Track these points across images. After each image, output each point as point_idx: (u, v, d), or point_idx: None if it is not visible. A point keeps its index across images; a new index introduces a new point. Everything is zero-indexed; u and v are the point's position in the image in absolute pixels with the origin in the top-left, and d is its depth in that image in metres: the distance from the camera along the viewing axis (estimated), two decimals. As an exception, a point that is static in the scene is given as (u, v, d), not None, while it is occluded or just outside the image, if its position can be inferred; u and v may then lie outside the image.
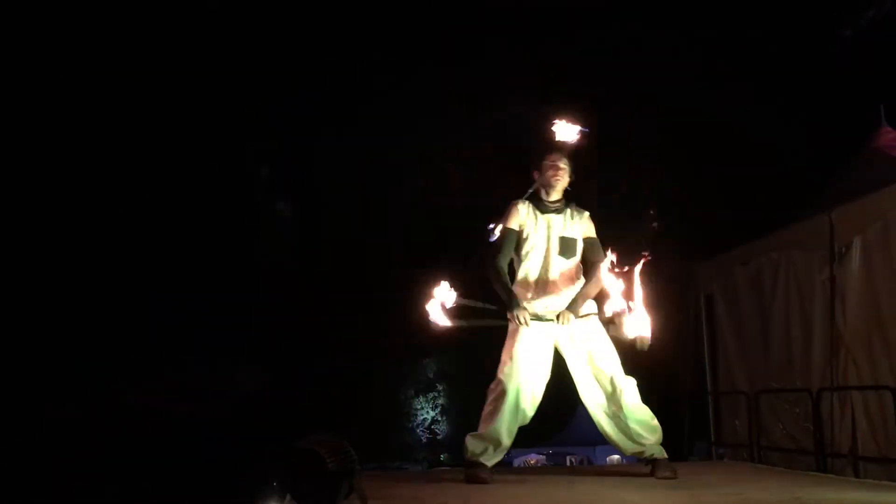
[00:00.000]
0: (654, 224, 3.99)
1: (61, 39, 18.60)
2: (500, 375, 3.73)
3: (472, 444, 3.71)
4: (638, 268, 3.64)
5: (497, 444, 3.68)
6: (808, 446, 4.92)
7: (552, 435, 21.27)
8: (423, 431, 22.83)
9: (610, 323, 3.72)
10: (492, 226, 3.85)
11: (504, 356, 3.76)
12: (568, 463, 19.45)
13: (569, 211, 3.90)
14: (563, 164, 3.89)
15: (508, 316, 3.72)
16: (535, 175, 3.94)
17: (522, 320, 3.65)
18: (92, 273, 18.69)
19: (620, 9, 17.29)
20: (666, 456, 3.76)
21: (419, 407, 22.94)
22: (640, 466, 3.85)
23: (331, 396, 18.34)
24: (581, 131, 3.87)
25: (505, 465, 3.95)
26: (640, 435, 3.71)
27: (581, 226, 3.90)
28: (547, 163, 3.89)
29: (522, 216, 3.88)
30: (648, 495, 3.04)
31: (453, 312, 3.73)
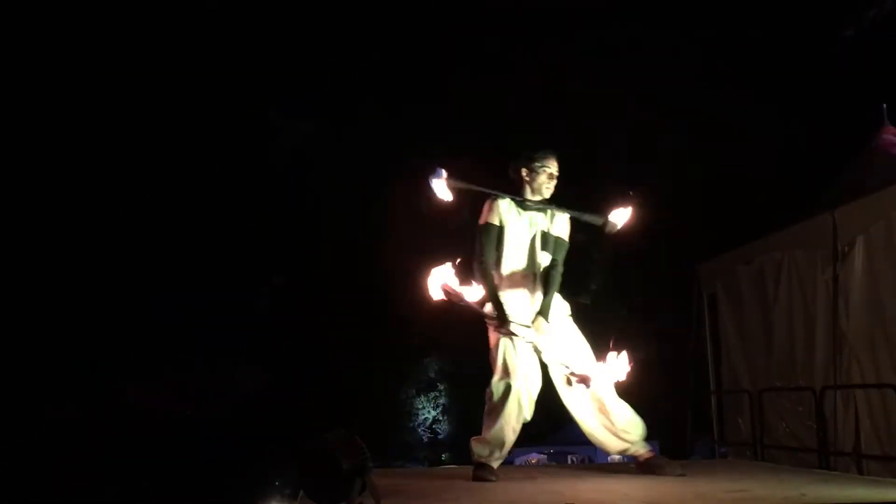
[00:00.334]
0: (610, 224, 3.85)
1: (62, 40, 18.61)
2: (496, 378, 3.73)
3: (477, 447, 3.73)
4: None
5: (501, 445, 3.69)
6: (811, 444, 4.93)
7: (553, 434, 21.29)
8: (424, 431, 22.85)
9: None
10: (463, 218, 3.83)
11: (496, 359, 3.74)
12: (569, 462, 19.45)
13: (549, 211, 3.86)
14: (556, 172, 3.86)
15: (489, 323, 3.71)
16: (524, 173, 3.88)
17: (507, 333, 3.63)
18: (92, 273, 18.70)
19: (619, 8, 17.30)
20: (653, 453, 3.79)
21: (420, 406, 22.96)
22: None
23: (331, 396, 18.35)
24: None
25: (506, 464, 3.96)
26: (625, 431, 3.71)
27: (561, 226, 3.87)
28: (540, 166, 3.84)
29: (503, 212, 3.83)
30: (654, 491, 3.05)
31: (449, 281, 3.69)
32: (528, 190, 3.87)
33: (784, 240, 5.57)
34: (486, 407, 3.76)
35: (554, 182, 3.86)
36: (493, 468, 3.67)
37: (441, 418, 23.10)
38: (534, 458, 20.55)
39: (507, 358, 3.69)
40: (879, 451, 4.48)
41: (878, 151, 5.81)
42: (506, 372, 3.69)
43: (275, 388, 18.66)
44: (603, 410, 3.68)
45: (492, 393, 3.73)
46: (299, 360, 19.82)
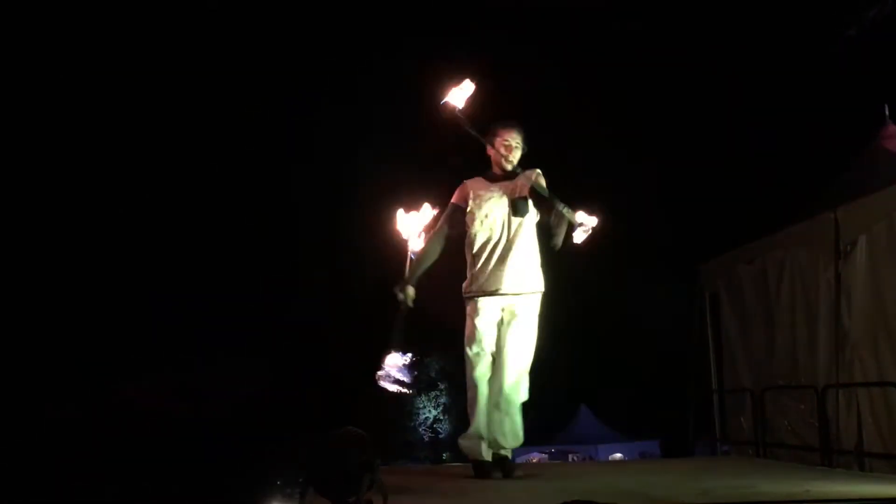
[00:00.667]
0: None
1: (62, 40, 18.62)
2: (467, 364, 3.77)
3: (465, 446, 3.76)
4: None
5: (479, 431, 3.71)
6: (813, 443, 4.94)
7: (554, 434, 21.30)
8: (425, 430, 22.85)
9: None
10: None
11: (465, 346, 3.79)
12: (570, 461, 19.47)
13: (519, 176, 3.84)
14: (516, 141, 3.87)
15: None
16: (490, 151, 3.92)
17: (401, 297, 3.71)
18: (92, 273, 18.71)
19: (623, 5, 17.33)
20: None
21: (421, 406, 22.95)
22: (645, 462, 3.88)
23: (331, 396, 18.34)
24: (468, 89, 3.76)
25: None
26: (513, 438, 3.70)
27: (533, 182, 3.82)
28: (498, 139, 3.88)
29: (468, 191, 3.89)
30: (659, 488, 3.07)
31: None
32: (496, 165, 3.91)
33: (786, 239, 5.58)
34: (467, 400, 3.81)
35: (516, 152, 3.86)
36: (491, 463, 3.68)
37: (442, 417, 23.09)
38: (535, 457, 20.54)
39: (469, 347, 3.76)
40: (882, 449, 4.49)
41: (879, 151, 5.83)
42: (469, 362, 3.77)
43: (275, 388, 18.65)
44: (507, 407, 3.69)
45: (467, 378, 3.80)
46: (299, 359, 19.83)
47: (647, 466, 4.08)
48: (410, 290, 3.75)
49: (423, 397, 23.12)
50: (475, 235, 3.82)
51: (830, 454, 4.73)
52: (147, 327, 18.63)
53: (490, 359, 3.75)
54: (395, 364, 3.56)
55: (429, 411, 23.10)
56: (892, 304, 4.55)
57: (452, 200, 3.92)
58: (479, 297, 3.76)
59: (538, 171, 3.86)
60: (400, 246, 3.81)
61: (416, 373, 3.84)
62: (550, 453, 20.43)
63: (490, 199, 3.82)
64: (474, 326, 3.76)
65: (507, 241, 3.76)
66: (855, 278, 4.81)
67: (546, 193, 3.67)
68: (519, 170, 3.84)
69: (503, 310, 3.76)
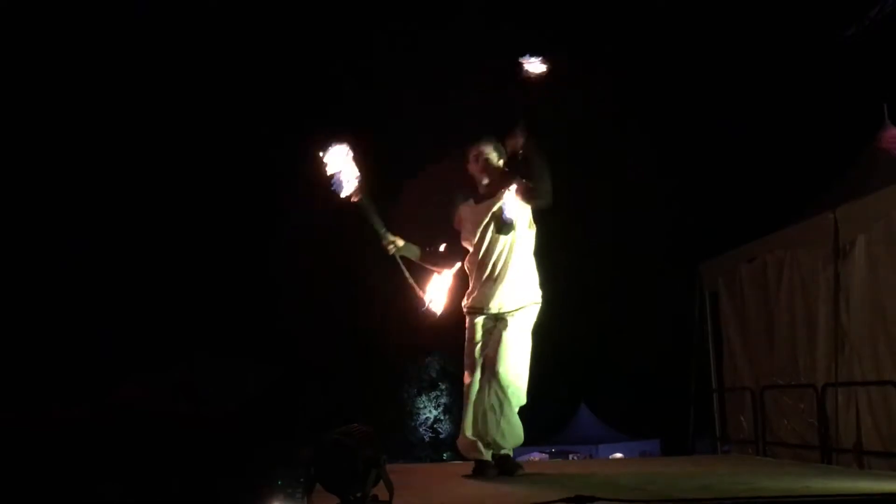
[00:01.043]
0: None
1: (64, 41, 18.67)
2: (465, 374, 3.88)
3: (463, 446, 3.82)
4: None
5: (477, 434, 3.77)
6: (812, 441, 4.98)
7: (554, 434, 21.33)
8: (425, 430, 22.89)
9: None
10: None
11: (464, 354, 3.92)
12: (571, 461, 19.50)
13: (503, 192, 3.84)
14: (484, 152, 3.89)
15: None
16: (469, 174, 3.99)
17: (389, 248, 3.87)
18: (92, 273, 18.74)
19: (625, 5, 17.39)
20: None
21: (422, 406, 23.00)
22: (645, 460, 3.93)
23: (332, 396, 18.38)
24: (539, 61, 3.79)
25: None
26: (504, 438, 3.74)
27: (510, 204, 3.83)
28: (469, 156, 3.95)
29: (460, 216, 3.98)
30: (660, 484, 3.11)
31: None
32: (479, 185, 3.96)
33: (786, 238, 5.62)
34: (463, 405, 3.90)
35: (484, 162, 3.89)
36: (490, 462, 3.74)
37: (442, 417, 23.14)
38: (535, 457, 20.59)
39: (466, 355, 3.88)
40: (881, 448, 4.53)
41: (879, 151, 5.87)
42: (467, 369, 3.86)
43: (276, 388, 18.68)
44: (494, 411, 3.75)
45: (464, 386, 3.89)
46: (300, 359, 19.86)
47: (647, 464, 4.14)
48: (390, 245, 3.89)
49: (424, 397, 23.16)
50: (469, 256, 3.94)
51: (830, 453, 4.77)
52: (147, 327, 18.66)
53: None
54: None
55: (429, 411, 23.15)
56: (891, 303, 4.59)
57: (454, 224, 4.02)
58: (474, 313, 3.88)
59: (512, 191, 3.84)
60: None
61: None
62: (551, 453, 20.46)
63: (476, 221, 3.88)
64: (470, 340, 3.88)
65: (498, 259, 3.83)
66: (854, 278, 4.85)
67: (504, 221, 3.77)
68: (504, 188, 3.84)
69: (497, 322, 3.85)
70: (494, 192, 3.85)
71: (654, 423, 19.35)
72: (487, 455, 3.75)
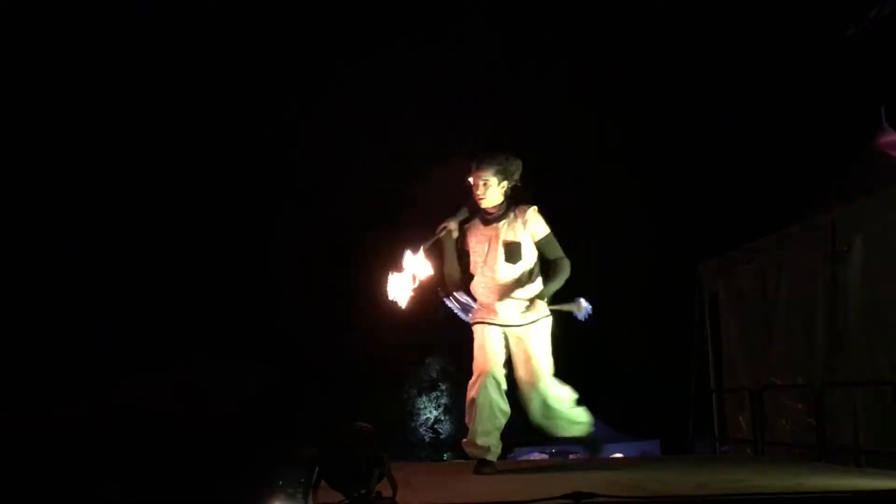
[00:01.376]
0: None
1: (64, 40, 18.70)
2: (474, 375, 3.89)
3: (468, 448, 3.87)
4: None
5: (489, 440, 3.82)
6: (811, 441, 5.01)
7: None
8: (426, 430, 22.92)
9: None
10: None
11: (474, 358, 3.92)
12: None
13: (511, 215, 3.86)
14: (486, 177, 3.83)
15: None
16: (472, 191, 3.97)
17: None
18: (92, 273, 18.76)
19: (622, 7, 17.41)
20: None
21: (422, 406, 23.03)
22: (645, 459, 3.97)
23: (333, 396, 18.41)
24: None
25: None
26: (576, 427, 3.96)
27: (527, 226, 3.86)
28: (470, 180, 3.91)
29: (466, 234, 3.95)
30: (657, 482, 3.15)
31: (423, 287, 3.81)
32: (479, 205, 3.95)
33: (784, 239, 5.66)
34: (466, 400, 3.92)
35: (486, 189, 3.85)
36: (492, 462, 3.79)
37: (443, 418, 23.17)
38: (535, 457, 20.62)
39: (478, 353, 3.88)
40: (877, 447, 4.56)
41: (876, 153, 5.90)
42: (476, 370, 3.88)
43: (276, 388, 18.71)
44: (551, 418, 3.91)
45: (469, 388, 3.90)
46: (300, 359, 19.89)
47: (646, 463, 4.18)
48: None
49: (424, 398, 23.20)
50: (475, 274, 3.95)
51: (827, 452, 4.80)
52: (147, 326, 18.69)
53: (494, 381, 3.84)
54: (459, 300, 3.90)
55: (430, 412, 23.18)
56: (887, 304, 4.62)
57: (451, 230, 3.94)
58: (483, 324, 3.89)
59: (534, 207, 3.88)
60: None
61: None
62: (551, 453, 20.47)
63: (482, 242, 3.89)
64: (479, 350, 3.88)
65: (505, 280, 3.85)
66: (851, 279, 4.88)
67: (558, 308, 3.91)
68: (515, 208, 3.87)
69: (509, 336, 3.89)
70: (500, 215, 3.88)
71: (654, 423, 19.37)
72: (492, 455, 3.79)
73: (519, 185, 3.91)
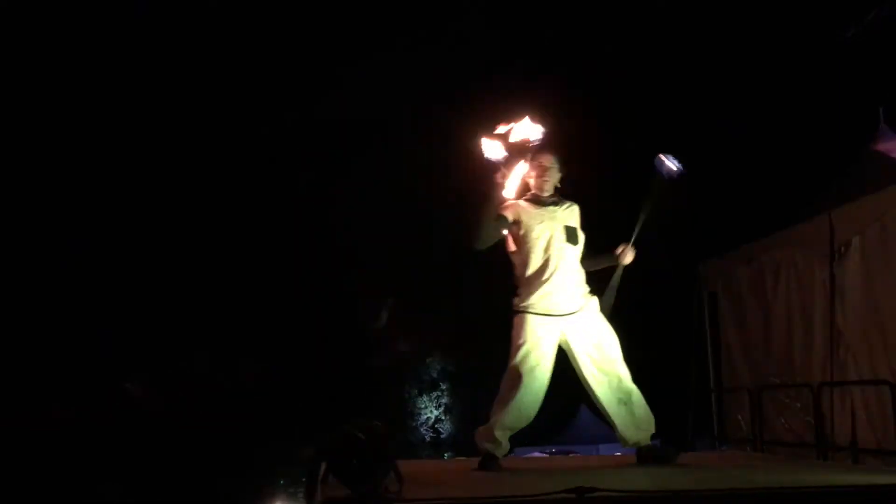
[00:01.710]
0: None
1: (64, 40, 18.72)
2: (512, 368, 3.79)
3: (480, 437, 3.83)
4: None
5: (504, 434, 3.79)
6: (809, 440, 5.04)
7: (554, 434, 21.36)
8: (426, 430, 22.93)
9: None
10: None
11: (513, 349, 3.80)
12: (570, 461, 19.51)
13: (565, 203, 3.99)
14: (549, 163, 3.93)
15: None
16: (528, 177, 3.98)
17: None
18: (92, 273, 18.77)
19: (622, 6, 17.41)
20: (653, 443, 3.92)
21: (422, 406, 23.03)
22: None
23: (333, 395, 18.41)
24: (540, 131, 3.89)
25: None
26: (647, 422, 3.85)
27: (576, 216, 4.00)
28: (538, 165, 3.95)
29: (519, 210, 3.90)
30: (656, 479, 3.17)
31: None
32: (537, 189, 3.98)
33: (783, 240, 5.68)
34: (500, 392, 3.84)
35: (550, 174, 3.94)
36: (498, 459, 3.78)
37: (443, 418, 23.18)
38: (536, 456, 20.65)
39: (528, 346, 3.78)
40: (875, 446, 4.59)
41: (873, 154, 5.92)
42: (517, 365, 3.77)
43: (277, 388, 18.72)
44: (629, 400, 3.81)
45: (503, 382, 3.83)
46: (301, 359, 19.90)
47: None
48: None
49: (425, 397, 23.21)
50: (529, 257, 3.86)
51: (826, 450, 4.82)
52: (147, 327, 18.69)
53: (539, 382, 3.78)
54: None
55: (430, 411, 23.19)
56: (885, 303, 4.65)
57: (504, 213, 3.89)
58: (533, 314, 3.81)
59: (576, 205, 4.02)
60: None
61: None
62: (551, 453, 20.50)
63: (542, 222, 3.87)
64: (525, 340, 3.78)
65: (562, 264, 3.84)
66: (849, 278, 4.91)
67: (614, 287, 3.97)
68: (561, 200, 3.98)
69: (566, 325, 3.82)
70: (556, 203, 3.96)
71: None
72: (500, 451, 3.79)
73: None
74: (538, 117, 3.95)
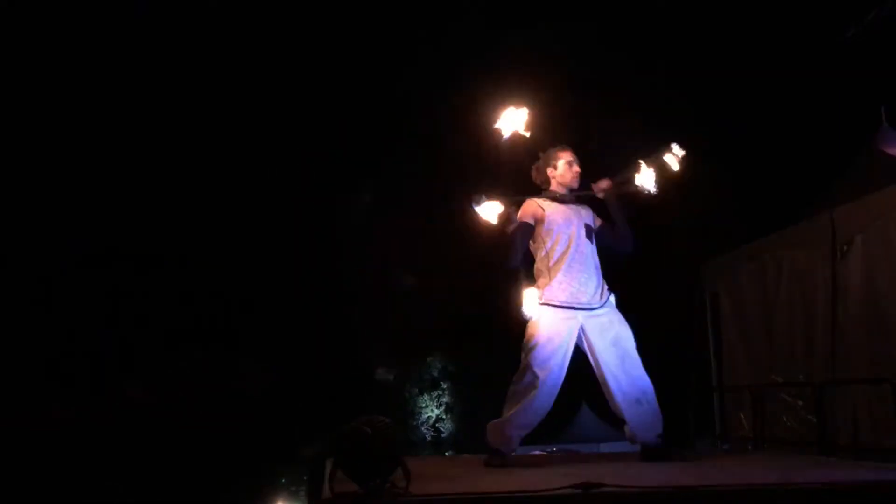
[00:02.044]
0: None
1: (64, 40, 18.72)
2: (522, 365, 3.78)
3: (492, 433, 3.82)
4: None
5: (518, 431, 3.79)
6: (811, 439, 5.03)
7: (555, 433, 21.35)
8: (427, 429, 22.93)
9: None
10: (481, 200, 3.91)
11: (528, 347, 3.78)
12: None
13: (581, 202, 4.06)
14: (573, 157, 4.06)
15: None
16: (550, 172, 4.03)
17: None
18: (92, 273, 18.78)
19: (622, 6, 17.42)
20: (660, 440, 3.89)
21: (423, 405, 23.04)
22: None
23: (333, 395, 18.43)
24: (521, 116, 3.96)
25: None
26: (657, 422, 3.83)
27: (592, 214, 4.06)
28: (564, 161, 4.02)
29: (537, 207, 3.95)
30: (661, 475, 3.17)
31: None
32: (558, 185, 4.03)
33: (784, 239, 5.68)
34: (509, 391, 3.83)
35: (576, 168, 4.05)
36: (506, 455, 3.78)
37: (444, 417, 23.19)
38: (538, 454, 20.64)
39: (547, 343, 3.76)
40: (877, 445, 4.58)
41: (876, 152, 5.92)
42: (534, 360, 3.75)
43: (278, 388, 18.73)
44: (644, 397, 3.80)
45: (517, 378, 3.81)
46: (302, 359, 19.90)
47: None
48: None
49: (426, 397, 23.22)
50: (553, 248, 3.88)
51: (827, 449, 4.82)
52: (147, 327, 18.70)
53: (555, 380, 3.79)
54: None
55: (431, 410, 23.19)
56: (887, 302, 4.64)
57: (526, 221, 3.94)
58: (555, 306, 3.81)
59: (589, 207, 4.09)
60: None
61: None
62: (552, 452, 20.49)
63: (565, 217, 3.93)
64: (545, 333, 3.77)
65: (585, 256, 3.89)
66: (851, 278, 4.91)
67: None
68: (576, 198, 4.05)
69: (586, 319, 3.82)
70: (576, 198, 4.03)
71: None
72: (509, 448, 3.79)
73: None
74: (530, 107, 4.00)
